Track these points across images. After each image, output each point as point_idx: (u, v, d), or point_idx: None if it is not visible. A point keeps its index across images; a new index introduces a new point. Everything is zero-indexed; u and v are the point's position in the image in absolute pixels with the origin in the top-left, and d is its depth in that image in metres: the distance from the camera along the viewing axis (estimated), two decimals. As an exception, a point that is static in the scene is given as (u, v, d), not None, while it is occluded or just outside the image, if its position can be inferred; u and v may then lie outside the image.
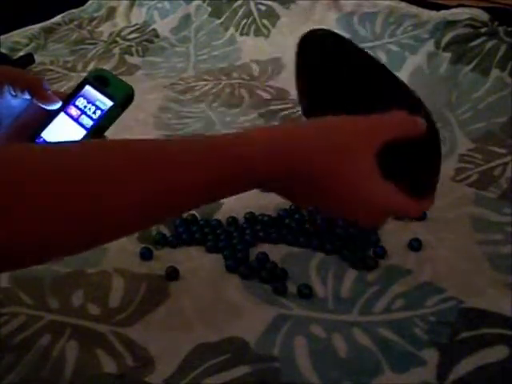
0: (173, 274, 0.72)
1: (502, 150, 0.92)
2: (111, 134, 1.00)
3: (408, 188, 0.59)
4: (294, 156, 0.55)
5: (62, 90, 1.18)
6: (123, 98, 0.63)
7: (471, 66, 1.06)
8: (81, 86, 0.66)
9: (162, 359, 0.62)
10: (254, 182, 0.55)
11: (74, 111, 0.64)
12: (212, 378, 0.60)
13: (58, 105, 0.65)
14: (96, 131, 0.63)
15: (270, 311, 0.67)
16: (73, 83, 1.21)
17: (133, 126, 1.05)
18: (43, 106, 0.65)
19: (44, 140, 0.64)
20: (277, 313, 0.67)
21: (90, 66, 1.28)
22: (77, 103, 0.64)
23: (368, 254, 0.74)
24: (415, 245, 0.75)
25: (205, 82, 1.20)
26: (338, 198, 0.58)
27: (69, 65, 1.29)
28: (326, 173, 0.56)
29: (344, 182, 0.57)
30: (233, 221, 0.80)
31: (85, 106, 0.64)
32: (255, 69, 1.23)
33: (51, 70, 1.27)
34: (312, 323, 0.65)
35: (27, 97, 0.65)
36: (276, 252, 0.75)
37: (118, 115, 0.64)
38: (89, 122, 0.63)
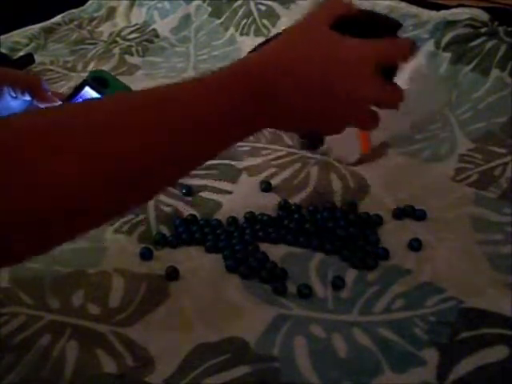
0: (173, 274, 0.72)
1: (502, 150, 0.92)
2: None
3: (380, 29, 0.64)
4: (263, 73, 0.59)
5: (62, 90, 1.18)
6: None
7: (471, 66, 1.06)
8: (80, 87, 0.66)
9: (162, 359, 0.62)
10: (250, 93, 0.58)
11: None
12: (212, 378, 0.60)
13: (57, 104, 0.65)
14: None
15: (270, 311, 0.67)
16: (73, 83, 1.20)
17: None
18: (43, 107, 0.65)
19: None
20: (277, 313, 0.67)
21: (90, 66, 1.27)
22: None
23: (368, 254, 0.74)
24: (415, 245, 0.75)
25: (205, 82, 1.19)
26: (316, 90, 0.60)
27: (69, 65, 1.29)
28: (296, 80, 0.59)
29: (311, 68, 0.59)
30: (233, 221, 0.80)
31: None
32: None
33: (51, 70, 1.27)
34: (312, 323, 0.65)
35: (27, 98, 0.65)
36: (276, 252, 0.75)
37: None
38: None
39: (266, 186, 0.86)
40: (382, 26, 0.66)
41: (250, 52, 0.71)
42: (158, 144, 0.51)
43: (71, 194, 0.44)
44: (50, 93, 0.65)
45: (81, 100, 0.65)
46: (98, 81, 0.65)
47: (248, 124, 0.59)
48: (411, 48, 0.65)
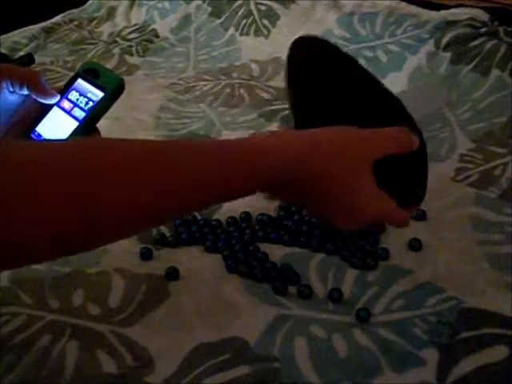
0: (173, 274, 0.72)
1: (502, 150, 0.92)
2: (112, 133, 1.01)
3: (397, 199, 0.60)
4: (292, 159, 0.56)
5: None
6: (114, 89, 0.64)
7: (471, 66, 1.06)
8: (73, 80, 0.66)
9: (161, 359, 0.62)
10: (253, 183, 0.55)
11: (66, 104, 0.65)
12: (212, 378, 0.60)
13: (57, 98, 0.65)
14: (88, 122, 0.64)
15: (270, 311, 0.67)
16: (73, 83, 1.21)
17: (133, 126, 1.05)
18: (42, 101, 0.65)
19: (39, 134, 0.64)
20: (277, 313, 0.67)
21: (90, 66, 1.28)
22: (69, 97, 0.65)
23: (368, 254, 0.74)
24: (415, 245, 0.75)
25: (205, 82, 1.20)
26: (332, 201, 0.58)
27: (69, 65, 1.29)
28: (324, 176, 0.57)
29: (340, 184, 0.58)
30: (233, 221, 0.80)
31: (77, 99, 0.65)
32: (255, 69, 1.23)
33: (51, 70, 1.27)
34: (312, 323, 0.65)
35: (25, 92, 0.65)
36: (276, 252, 0.75)
37: (110, 105, 0.65)
38: (81, 114, 0.64)
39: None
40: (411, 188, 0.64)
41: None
42: (142, 196, 0.50)
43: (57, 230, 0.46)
44: (47, 86, 0.65)
45: (74, 92, 0.65)
46: (89, 72, 0.66)
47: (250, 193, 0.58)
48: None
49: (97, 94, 0.64)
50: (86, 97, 0.64)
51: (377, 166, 0.58)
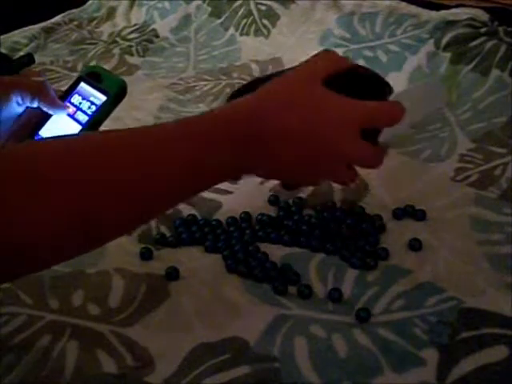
0: (173, 273, 0.72)
1: (502, 150, 0.92)
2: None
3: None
4: (249, 117, 0.58)
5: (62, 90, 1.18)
6: (117, 92, 0.65)
7: (471, 66, 1.06)
8: (76, 84, 0.67)
9: (161, 359, 0.62)
10: (222, 153, 0.57)
11: (70, 108, 0.65)
12: (212, 378, 0.60)
13: (68, 111, 0.66)
14: (91, 126, 0.64)
15: (270, 311, 0.67)
16: (73, 83, 1.21)
17: (133, 126, 1.05)
18: (52, 113, 0.66)
19: (42, 138, 0.64)
20: (277, 313, 0.67)
21: (90, 66, 1.28)
22: (72, 100, 0.66)
23: (368, 254, 0.74)
24: (415, 245, 0.75)
25: (205, 82, 1.20)
26: (299, 143, 0.60)
27: (69, 65, 1.29)
28: (280, 122, 0.59)
29: (298, 121, 0.59)
30: (233, 221, 0.80)
31: (80, 103, 0.65)
32: (255, 69, 1.23)
33: (51, 70, 1.27)
34: (312, 323, 0.65)
35: (35, 105, 0.65)
36: (276, 252, 0.75)
37: (113, 109, 0.65)
38: (84, 118, 0.64)
39: (274, 199, 0.84)
40: (373, 87, 0.66)
41: (235, 91, 0.72)
42: (130, 184, 0.51)
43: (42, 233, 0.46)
44: (57, 98, 0.66)
45: (76, 95, 0.65)
46: (92, 76, 0.66)
47: (224, 169, 0.59)
48: (398, 113, 0.65)
49: (99, 98, 0.64)
50: (88, 100, 0.65)
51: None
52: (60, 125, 0.65)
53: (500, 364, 0.60)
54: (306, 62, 0.64)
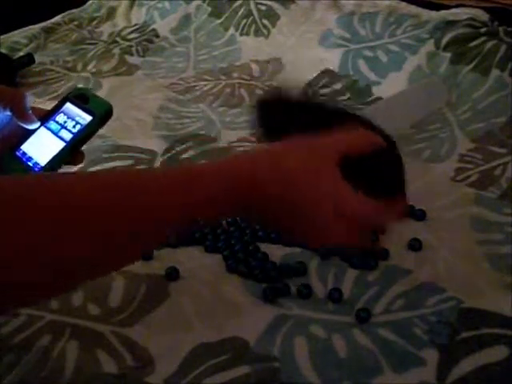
0: (173, 273, 0.72)
1: (502, 150, 0.92)
2: (112, 133, 1.01)
3: (377, 194, 0.60)
4: (258, 178, 0.55)
5: (61, 91, 1.18)
6: (102, 114, 0.65)
7: (471, 66, 1.06)
8: (61, 104, 0.67)
9: (161, 359, 0.62)
10: (223, 207, 0.55)
11: (54, 126, 0.66)
12: (212, 378, 0.60)
13: (37, 125, 0.66)
14: (75, 144, 0.64)
15: (270, 311, 0.67)
16: (73, 83, 1.21)
17: (133, 126, 1.05)
18: (22, 125, 0.65)
19: (24, 152, 0.65)
20: (277, 313, 0.67)
21: (90, 66, 1.28)
22: (57, 119, 0.66)
23: (368, 254, 0.74)
24: (415, 245, 0.75)
25: (205, 82, 1.20)
26: (306, 217, 0.57)
27: (69, 65, 1.29)
28: (289, 191, 0.55)
29: (307, 201, 0.56)
30: (233, 221, 0.80)
31: (65, 121, 0.66)
32: (255, 69, 1.23)
33: (51, 70, 1.27)
34: (312, 323, 0.65)
35: (8, 113, 0.65)
36: (276, 252, 0.75)
37: (97, 130, 0.66)
38: (68, 135, 0.65)
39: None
40: (391, 183, 0.65)
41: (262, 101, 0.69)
42: (118, 233, 0.49)
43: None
44: (30, 112, 0.65)
45: (62, 114, 0.66)
46: (79, 97, 0.67)
47: (220, 217, 0.58)
48: (404, 211, 0.65)
49: (85, 118, 0.65)
50: (73, 120, 0.65)
51: (350, 171, 0.58)
52: (43, 140, 0.65)
53: (500, 364, 0.60)
54: (337, 135, 0.59)
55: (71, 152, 0.64)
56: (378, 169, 0.62)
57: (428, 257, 0.74)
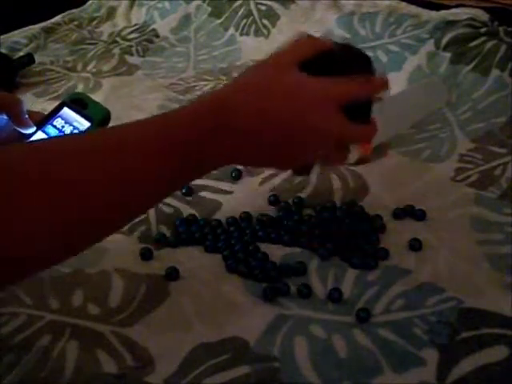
0: (173, 273, 0.72)
1: (502, 150, 0.92)
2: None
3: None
4: (218, 108, 0.58)
5: (61, 91, 1.18)
6: (100, 120, 0.65)
7: (471, 66, 1.06)
8: (59, 108, 0.67)
9: (162, 359, 0.62)
10: (193, 149, 0.57)
11: (51, 130, 0.66)
12: (212, 378, 0.60)
13: (33, 129, 0.66)
14: None
15: (270, 311, 0.67)
16: (73, 83, 1.21)
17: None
18: (17, 129, 0.65)
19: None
20: (277, 313, 0.67)
21: (90, 66, 1.28)
22: (55, 123, 0.66)
23: (368, 254, 0.74)
24: (415, 245, 0.75)
25: (205, 82, 1.20)
26: (275, 131, 0.59)
27: (69, 65, 1.29)
28: (252, 111, 0.58)
29: (272, 107, 0.59)
30: (233, 221, 0.80)
31: (62, 126, 0.66)
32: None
33: (51, 70, 1.27)
34: (312, 323, 0.65)
35: (5, 117, 0.65)
36: (276, 252, 0.75)
37: None
38: None
39: (274, 199, 0.84)
40: (352, 62, 0.65)
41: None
42: (106, 187, 0.51)
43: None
44: (27, 116, 0.66)
45: (59, 119, 0.66)
46: (76, 102, 0.67)
47: (205, 160, 0.59)
48: (380, 84, 0.66)
49: (83, 124, 0.65)
50: (71, 125, 0.65)
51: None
52: None
53: (500, 364, 0.60)
54: (284, 47, 0.63)
55: None
56: (340, 67, 0.63)
57: (428, 257, 0.74)
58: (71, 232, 0.50)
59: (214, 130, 0.57)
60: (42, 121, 0.66)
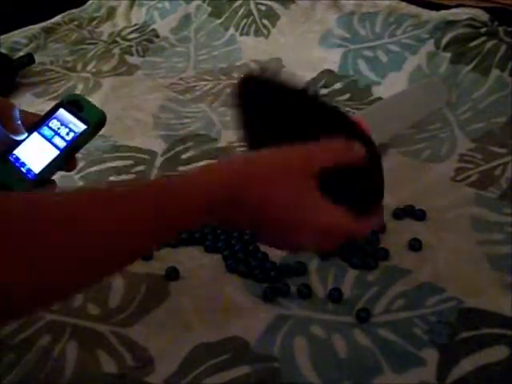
0: (173, 273, 0.72)
1: (502, 150, 0.92)
2: (112, 133, 1.01)
3: (353, 209, 0.58)
4: (232, 183, 0.55)
5: (61, 91, 1.18)
6: (96, 123, 0.65)
7: (471, 66, 1.06)
8: (55, 109, 0.67)
9: (162, 359, 0.62)
10: (196, 215, 0.54)
11: (47, 132, 0.66)
12: (212, 378, 0.60)
13: (23, 136, 0.66)
14: (68, 152, 0.64)
15: (270, 311, 0.67)
16: (72, 83, 1.21)
17: (133, 126, 1.05)
18: (9, 135, 0.65)
19: (17, 157, 0.65)
20: (277, 313, 0.67)
21: (90, 66, 1.28)
22: (50, 124, 0.66)
23: (368, 254, 0.74)
24: (415, 245, 0.75)
25: (205, 82, 1.20)
26: (279, 223, 0.57)
27: (69, 65, 1.29)
28: (263, 198, 0.55)
29: (281, 205, 0.56)
30: (233, 221, 0.80)
31: (58, 128, 0.65)
32: (255, 69, 1.23)
33: (51, 70, 1.27)
34: (312, 323, 0.65)
35: None
36: (276, 252, 0.75)
37: (91, 138, 0.66)
38: (62, 143, 0.64)
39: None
40: (368, 195, 0.63)
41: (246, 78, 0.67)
42: (105, 236, 0.49)
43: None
44: (19, 122, 0.65)
45: (55, 120, 0.66)
46: (72, 104, 0.67)
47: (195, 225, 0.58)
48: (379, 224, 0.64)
49: (79, 126, 0.65)
50: (67, 127, 0.65)
51: (329, 180, 0.57)
52: (36, 146, 0.65)
53: (500, 364, 0.60)
54: (307, 146, 0.58)
55: (65, 160, 0.64)
56: (355, 181, 0.60)
57: (428, 257, 0.74)
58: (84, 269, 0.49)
59: (224, 204, 0.55)
60: (37, 122, 0.66)
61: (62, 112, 0.67)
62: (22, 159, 0.64)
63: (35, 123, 0.66)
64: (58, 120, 0.66)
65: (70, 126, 0.65)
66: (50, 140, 0.65)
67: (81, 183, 0.90)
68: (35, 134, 0.66)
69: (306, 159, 0.58)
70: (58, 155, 0.64)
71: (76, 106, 0.66)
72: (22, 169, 0.63)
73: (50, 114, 0.67)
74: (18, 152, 0.65)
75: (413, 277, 0.71)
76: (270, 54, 1.26)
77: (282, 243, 0.60)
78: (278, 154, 0.58)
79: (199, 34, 1.37)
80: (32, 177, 0.62)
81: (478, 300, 0.67)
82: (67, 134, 0.65)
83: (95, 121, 0.65)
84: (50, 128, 0.65)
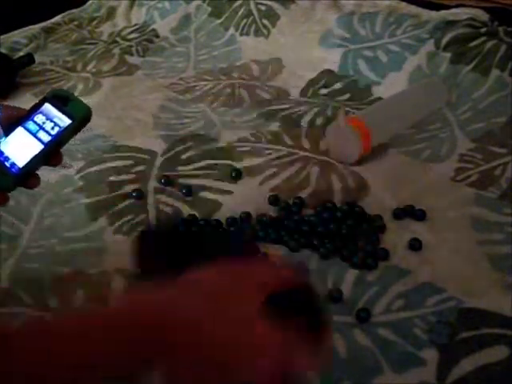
0: (173, 274, 0.72)
1: (502, 150, 0.92)
2: (112, 133, 1.01)
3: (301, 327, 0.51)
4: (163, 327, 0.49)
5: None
6: (81, 117, 0.65)
7: (471, 66, 1.06)
8: (40, 104, 0.67)
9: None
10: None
11: (32, 126, 0.65)
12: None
13: (3, 139, 0.65)
14: (53, 146, 0.64)
15: (270, 311, 0.67)
16: (72, 83, 1.21)
17: (133, 126, 1.05)
18: None
19: (1, 151, 0.64)
20: (277, 313, 0.67)
21: (90, 66, 1.28)
22: (35, 119, 0.66)
23: (368, 254, 0.74)
24: (415, 245, 0.75)
25: (205, 82, 1.20)
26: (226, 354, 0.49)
27: (69, 65, 1.29)
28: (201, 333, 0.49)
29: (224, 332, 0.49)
30: (233, 221, 0.80)
31: (43, 122, 0.65)
32: (255, 69, 1.23)
33: (51, 70, 1.27)
34: (312, 323, 0.65)
35: None
36: (276, 252, 0.75)
37: (76, 133, 0.66)
38: (47, 137, 0.64)
39: (274, 200, 0.84)
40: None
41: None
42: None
43: None
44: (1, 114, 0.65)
45: (40, 115, 0.65)
46: (58, 98, 0.66)
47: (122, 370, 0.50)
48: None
49: (64, 121, 0.65)
50: (52, 121, 0.65)
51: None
52: (21, 140, 0.65)
53: (500, 364, 0.60)
54: (249, 270, 0.51)
55: (49, 155, 0.64)
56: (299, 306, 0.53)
57: (428, 257, 0.74)
58: None
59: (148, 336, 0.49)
60: (23, 116, 0.66)
61: (47, 106, 0.66)
62: (6, 153, 0.64)
63: (20, 117, 0.66)
64: (44, 114, 0.65)
65: (55, 120, 0.65)
66: (34, 134, 0.64)
67: (81, 183, 0.90)
68: (20, 129, 0.65)
69: (255, 285, 0.51)
70: (43, 149, 0.63)
71: (61, 100, 0.66)
72: (5, 163, 0.63)
73: (36, 108, 0.66)
74: (1, 146, 0.65)
75: (413, 277, 0.71)
76: (270, 54, 1.26)
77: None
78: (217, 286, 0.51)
79: (199, 33, 1.37)
80: (16, 171, 0.62)
81: (478, 300, 0.67)
82: (52, 128, 0.64)
83: (80, 116, 0.65)
84: (35, 122, 0.65)
